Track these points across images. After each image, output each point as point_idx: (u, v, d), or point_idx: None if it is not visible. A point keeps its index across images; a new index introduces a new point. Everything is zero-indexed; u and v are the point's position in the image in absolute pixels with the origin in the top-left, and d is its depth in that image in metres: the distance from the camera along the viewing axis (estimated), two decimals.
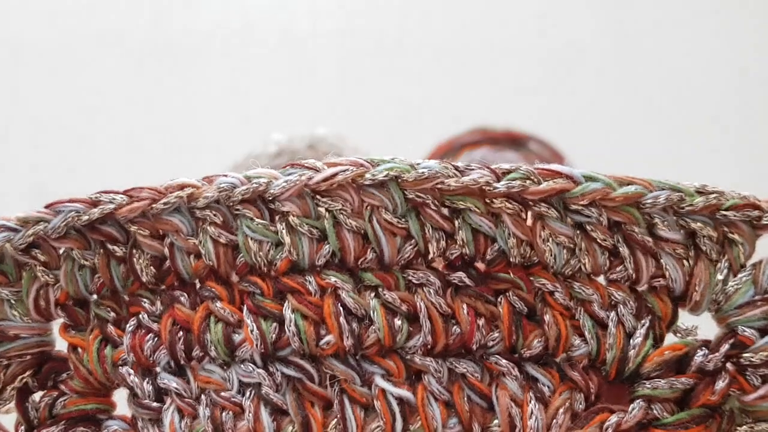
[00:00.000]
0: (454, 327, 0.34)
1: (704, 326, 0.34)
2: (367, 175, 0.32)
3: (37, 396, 0.35)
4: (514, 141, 1.00)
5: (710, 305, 0.33)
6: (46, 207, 0.34)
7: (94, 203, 0.34)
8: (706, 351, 0.32)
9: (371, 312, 0.33)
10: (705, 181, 1.13)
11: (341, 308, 0.33)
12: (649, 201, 0.32)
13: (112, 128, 1.13)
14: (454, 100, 1.14)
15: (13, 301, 0.35)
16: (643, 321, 0.33)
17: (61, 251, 0.35)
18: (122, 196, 0.33)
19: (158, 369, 0.34)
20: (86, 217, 0.33)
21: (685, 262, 0.33)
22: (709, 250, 0.32)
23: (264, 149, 1.00)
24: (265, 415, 0.33)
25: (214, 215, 0.34)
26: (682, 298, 0.34)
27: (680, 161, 1.12)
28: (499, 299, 0.34)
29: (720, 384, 0.32)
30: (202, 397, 0.34)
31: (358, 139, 1.00)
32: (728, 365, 0.32)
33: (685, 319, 0.34)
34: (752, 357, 0.31)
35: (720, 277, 0.33)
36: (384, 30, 1.19)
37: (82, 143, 1.12)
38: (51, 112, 1.14)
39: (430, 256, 0.34)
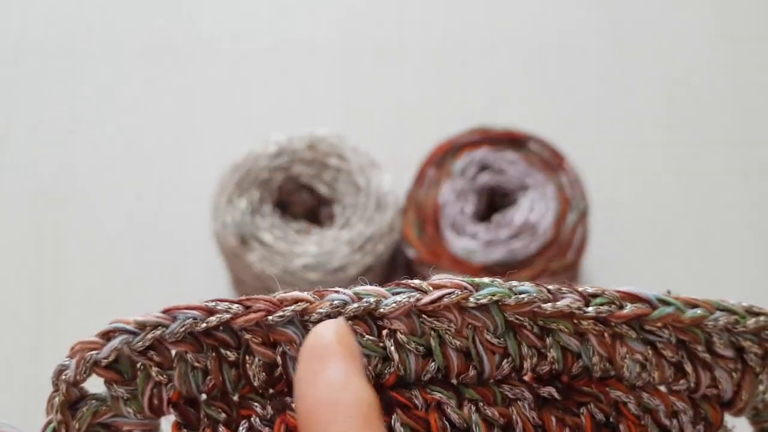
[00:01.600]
0: None
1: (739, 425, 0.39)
2: (471, 299, 0.35)
3: None
4: (514, 141, 1.00)
5: (749, 411, 0.38)
6: (164, 312, 0.35)
7: (211, 311, 0.35)
8: None
9: (473, 425, 0.35)
10: (705, 182, 1.12)
11: (447, 422, 0.35)
12: (710, 323, 0.36)
13: (112, 128, 1.13)
14: (454, 100, 1.14)
15: (127, 399, 0.36)
16: (698, 427, 0.37)
17: (173, 353, 0.36)
18: (238, 305, 0.35)
19: None
20: (204, 325, 0.35)
21: (734, 374, 0.37)
22: (754, 365, 0.37)
23: (264, 149, 1.00)
24: None
25: None
26: (728, 404, 0.38)
27: (680, 161, 1.12)
28: (581, 410, 0.37)
29: None
30: None
31: (358, 139, 1.00)
32: None
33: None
34: None
35: (761, 387, 0.38)
36: (384, 30, 1.19)
37: (82, 143, 1.12)
38: (51, 113, 1.14)
39: (523, 371, 0.37)
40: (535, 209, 0.94)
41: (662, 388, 0.38)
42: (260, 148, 0.97)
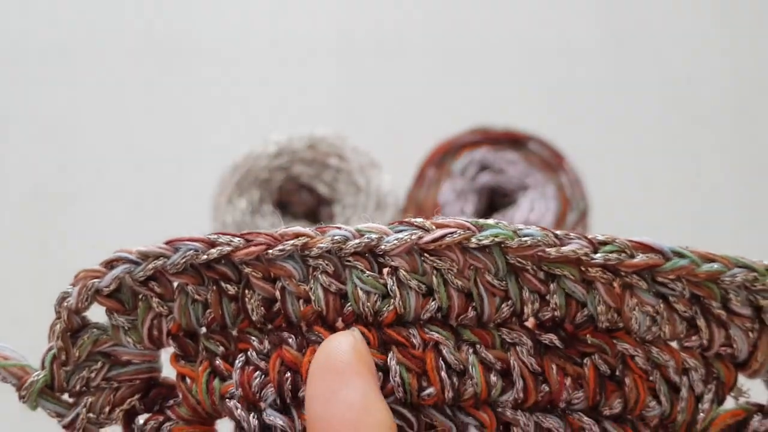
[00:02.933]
0: (543, 385, 0.36)
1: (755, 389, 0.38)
2: (473, 239, 0.35)
3: (141, 419, 0.37)
4: (514, 141, 1.00)
5: (765, 374, 0.37)
6: (166, 243, 0.36)
7: (212, 243, 0.36)
8: (761, 416, 0.36)
9: (470, 367, 0.35)
10: (705, 182, 1.13)
11: (443, 363, 0.35)
12: (727, 279, 0.35)
13: (112, 128, 1.13)
14: (454, 100, 1.14)
15: (127, 329, 0.37)
16: (710, 386, 0.36)
17: (175, 285, 0.37)
18: (239, 239, 0.36)
19: (264, 405, 0.36)
20: (204, 257, 0.35)
21: (750, 333, 0.36)
22: None
23: (264, 149, 1.00)
24: None
25: (327, 264, 0.36)
26: (743, 365, 0.37)
27: (680, 161, 1.12)
28: (585, 361, 0.36)
29: None
30: None
31: (358, 139, 1.00)
32: None
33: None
34: None
35: None
36: (384, 30, 1.19)
37: (82, 143, 1.12)
38: (51, 112, 1.14)
39: (524, 316, 0.36)
40: (535, 209, 0.94)
41: (674, 345, 0.37)
42: (260, 148, 0.97)
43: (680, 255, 0.35)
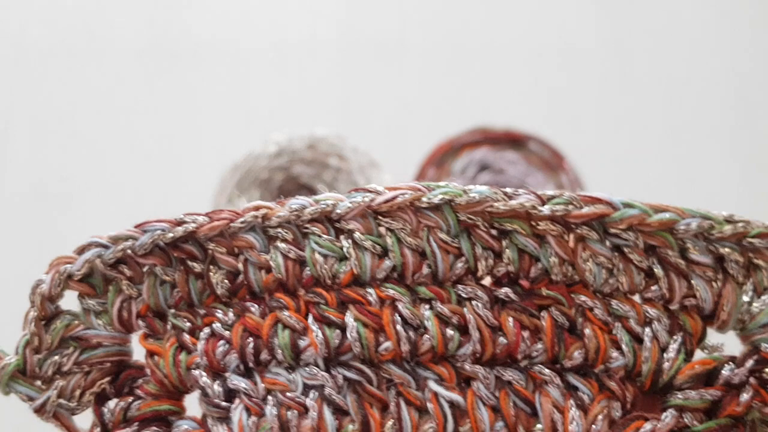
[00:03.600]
0: (501, 338, 0.37)
1: (729, 344, 0.37)
2: (424, 199, 0.36)
3: (112, 402, 0.38)
4: (514, 141, 1.00)
5: (736, 324, 0.37)
6: (136, 227, 0.37)
7: (178, 223, 0.37)
8: (733, 366, 0.36)
9: (426, 322, 0.36)
10: (705, 182, 1.13)
11: (399, 318, 0.36)
12: (681, 227, 0.36)
13: (113, 128, 1.13)
14: (454, 100, 1.14)
15: (98, 312, 0.38)
16: (675, 337, 0.36)
17: (144, 268, 0.38)
18: (203, 216, 0.37)
19: (228, 372, 0.37)
20: (171, 235, 0.37)
21: (714, 283, 0.36)
22: (736, 274, 0.36)
23: (264, 149, 1.00)
24: (327, 414, 0.36)
25: (286, 233, 0.38)
26: (710, 317, 0.37)
27: (680, 161, 1.12)
28: (542, 314, 0.37)
29: (744, 396, 0.35)
30: (269, 397, 0.37)
31: (358, 139, 1.00)
32: (752, 379, 0.35)
33: (712, 338, 0.37)
34: None
35: (746, 298, 0.36)
36: (384, 30, 1.19)
37: (82, 143, 1.12)
38: (51, 112, 1.14)
39: (479, 273, 0.37)
40: None
41: (636, 299, 0.37)
42: (260, 148, 0.97)
43: (629, 206, 0.36)
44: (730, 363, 0.36)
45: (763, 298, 0.36)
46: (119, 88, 1.16)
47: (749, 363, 0.35)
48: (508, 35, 1.18)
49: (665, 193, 1.09)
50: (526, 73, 1.16)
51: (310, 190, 0.97)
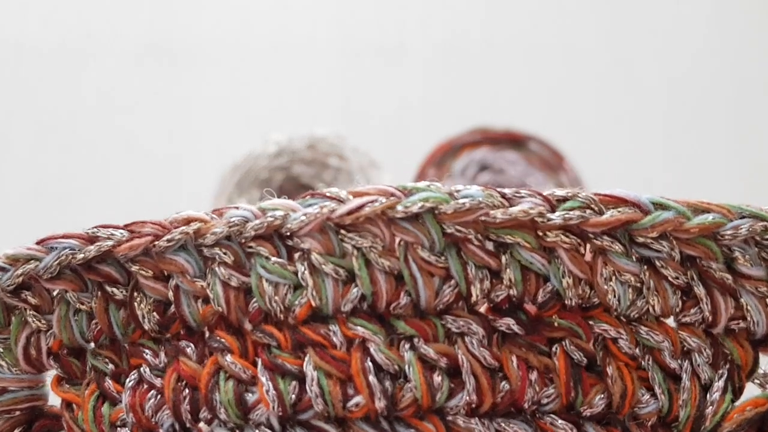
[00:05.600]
0: (503, 383, 0.29)
1: None
2: (399, 207, 0.28)
3: None
4: (514, 141, 1.00)
5: None
6: (38, 243, 0.30)
7: (91, 239, 0.30)
8: None
9: (406, 367, 0.29)
10: (706, 182, 1.13)
11: (371, 364, 0.28)
12: (728, 232, 0.29)
13: (112, 128, 1.13)
14: (454, 101, 1.14)
15: (0, 350, 0.32)
16: (720, 371, 0.29)
17: (55, 293, 0.31)
18: (122, 231, 0.30)
19: None
20: (82, 255, 0.30)
21: None
22: None
23: (264, 149, 1.00)
24: None
25: (224, 254, 0.30)
26: (763, 342, 0.30)
27: (680, 161, 1.12)
28: (553, 349, 0.29)
29: None
30: None
31: (358, 139, 1.00)
32: None
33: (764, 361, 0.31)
34: None
35: None
36: (384, 29, 1.19)
37: (82, 143, 1.12)
38: (51, 113, 1.14)
39: (473, 299, 0.29)
40: None
41: (669, 322, 0.30)
42: (260, 148, 0.97)
43: (663, 206, 0.29)
44: None
45: None
46: (119, 87, 1.16)
47: None
48: (508, 35, 1.18)
49: (665, 193, 1.09)
50: (526, 73, 1.16)
51: (311, 191, 0.97)
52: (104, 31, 1.20)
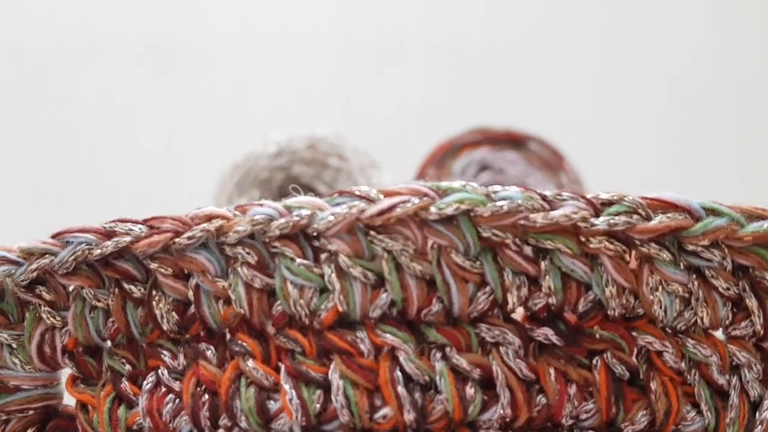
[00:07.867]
0: (539, 396, 0.28)
1: None
2: (432, 209, 0.27)
3: None
4: (514, 141, 1.00)
5: None
6: (54, 236, 0.29)
7: (109, 234, 0.28)
8: None
9: (437, 378, 0.27)
10: (706, 182, 1.13)
11: (400, 374, 0.27)
12: None
13: (112, 128, 1.13)
14: (454, 101, 1.14)
15: (13, 347, 0.30)
16: None
17: (70, 289, 0.30)
18: (141, 226, 0.29)
19: None
20: (99, 251, 0.28)
21: None
22: None
23: (264, 149, 1.00)
24: None
25: (248, 253, 0.28)
26: None
27: (680, 161, 1.12)
28: (594, 361, 0.28)
29: None
30: None
31: (358, 139, 1.00)
32: None
33: None
34: None
35: None
36: (384, 29, 1.19)
37: (82, 143, 1.12)
38: (51, 113, 1.14)
39: (509, 306, 0.28)
40: None
41: (717, 335, 0.29)
42: (260, 148, 0.97)
43: (715, 212, 0.27)
44: None
45: None
46: (119, 87, 1.16)
47: None
48: (507, 35, 1.18)
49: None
50: (526, 73, 1.16)
51: (311, 190, 0.97)
52: (104, 31, 1.20)
